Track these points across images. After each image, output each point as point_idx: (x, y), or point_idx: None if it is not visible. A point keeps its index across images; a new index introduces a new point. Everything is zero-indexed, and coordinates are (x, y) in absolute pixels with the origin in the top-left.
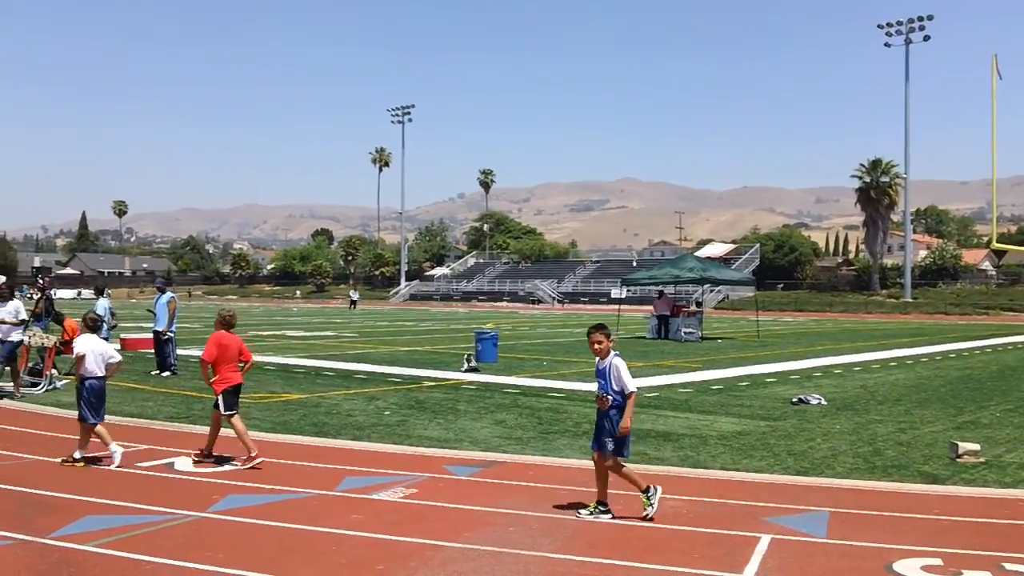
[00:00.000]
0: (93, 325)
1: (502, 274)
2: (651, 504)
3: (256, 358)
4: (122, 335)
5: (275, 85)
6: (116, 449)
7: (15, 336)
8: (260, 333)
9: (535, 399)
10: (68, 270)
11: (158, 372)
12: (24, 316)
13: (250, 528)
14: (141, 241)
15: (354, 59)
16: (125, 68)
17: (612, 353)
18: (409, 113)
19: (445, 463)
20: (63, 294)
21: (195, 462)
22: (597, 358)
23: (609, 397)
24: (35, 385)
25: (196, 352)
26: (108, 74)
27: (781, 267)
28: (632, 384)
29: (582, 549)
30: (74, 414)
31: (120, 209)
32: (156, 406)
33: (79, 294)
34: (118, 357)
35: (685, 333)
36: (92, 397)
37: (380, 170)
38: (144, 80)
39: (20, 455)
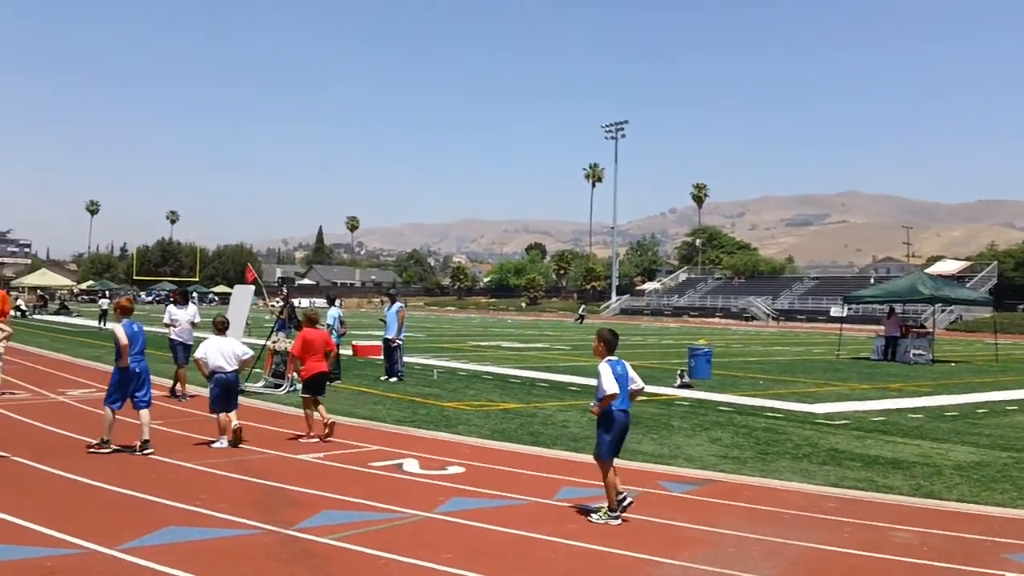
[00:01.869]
0: (221, 327)
1: (714, 290)
2: (605, 518)
3: (474, 367)
4: (353, 342)
5: (493, 97)
6: (222, 441)
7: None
8: (479, 344)
9: (751, 418)
10: (306, 280)
11: (387, 377)
12: (198, 319)
13: (473, 531)
14: (370, 254)
15: (569, 76)
16: (355, 96)
17: (604, 359)
18: (623, 128)
19: (659, 479)
20: (299, 302)
21: (317, 441)
22: None
23: (594, 406)
24: (277, 386)
25: (420, 360)
26: (339, 102)
27: (1023, 287)
28: (607, 388)
29: None
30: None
31: (352, 224)
32: (385, 410)
33: (311, 303)
34: (250, 353)
35: (914, 355)
36: (219, 389)
37: (593, 185)
38: (371, 106)
39: (266, 451)
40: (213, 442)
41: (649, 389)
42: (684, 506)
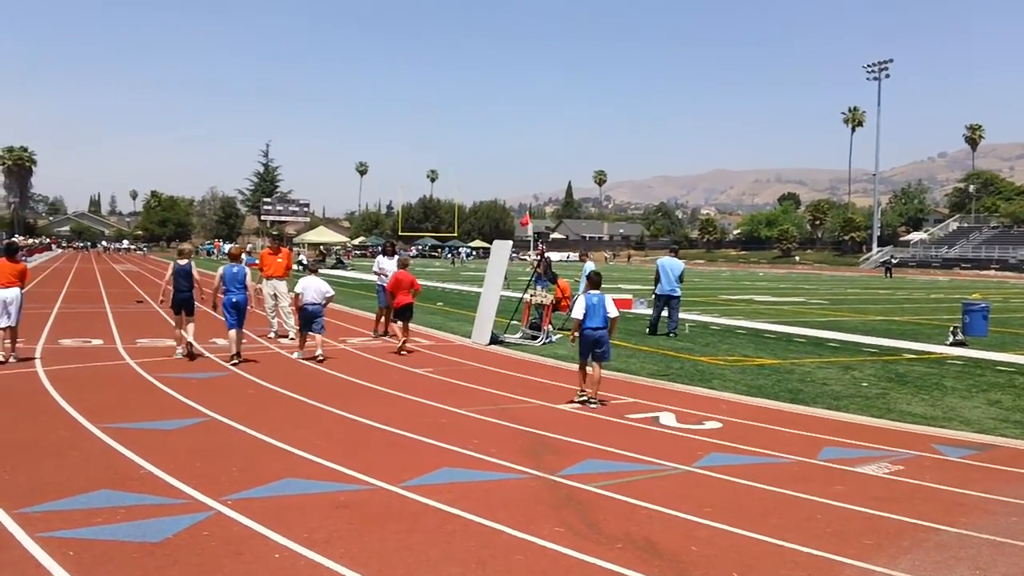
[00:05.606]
0: (315, 269)
1: (989, 240)
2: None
3: (726, 321)
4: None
5: (743, 40)
6: (298, 354)
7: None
8: (729, 297)
9: None
10: (556, 235)
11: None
12: None
13: (733, 486)
14: (617, 208)
15: (822, 15)
16: (602, 49)
17: (585, 293)
18: (886, 68)
19: (933, 442)
20: (552, 257)
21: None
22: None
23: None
24: (534, 338)
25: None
26: (587, 57)
27: None
28: (574, 313)
29: None
30: (565, 365)
31: (600, 178)
32: (639, 363)
33: (567, 257)
34: (332, 292)
35: None
36: (303, 317)
37: (852, 130)
38: (617, 59)
39: (527, 399)
40: (294, 352)
41: (917, 347)
42: (961, 471)
